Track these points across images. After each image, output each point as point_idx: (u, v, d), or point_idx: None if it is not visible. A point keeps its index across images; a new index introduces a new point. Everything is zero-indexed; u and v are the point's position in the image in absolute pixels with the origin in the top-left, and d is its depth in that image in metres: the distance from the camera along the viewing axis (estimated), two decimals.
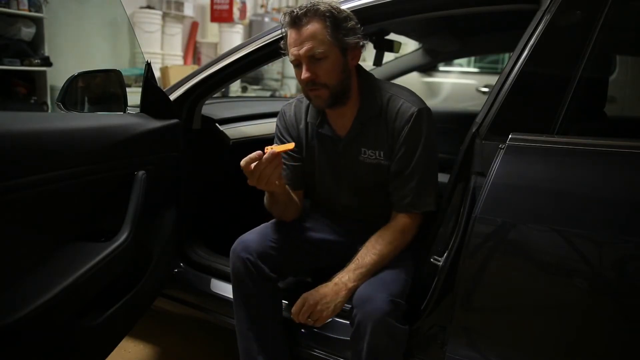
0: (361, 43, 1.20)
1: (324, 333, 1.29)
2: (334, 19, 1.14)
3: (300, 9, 1.14)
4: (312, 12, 1.13)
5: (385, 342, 1.09)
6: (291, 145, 1.14)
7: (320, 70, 1.15)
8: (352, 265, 1.17)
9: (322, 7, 1.13)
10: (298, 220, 1.34)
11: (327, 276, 1.19)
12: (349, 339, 1.15)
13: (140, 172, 1.24)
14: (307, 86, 1.17)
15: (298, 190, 1.35)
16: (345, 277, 1.15)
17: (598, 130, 1.11)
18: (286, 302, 1.36)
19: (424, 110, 1.20)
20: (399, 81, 2.87)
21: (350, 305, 1.14)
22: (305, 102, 1.30)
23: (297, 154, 1.33)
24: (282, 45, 1.23)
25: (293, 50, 1.15)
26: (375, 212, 1.31)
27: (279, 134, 1.35)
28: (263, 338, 1.26)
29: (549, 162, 0.98)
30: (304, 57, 1.14)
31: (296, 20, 1.14)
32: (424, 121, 1.19)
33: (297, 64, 1.18)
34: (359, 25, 1.19)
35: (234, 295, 1.29)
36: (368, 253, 1.18)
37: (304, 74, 1.15)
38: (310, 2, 1.16)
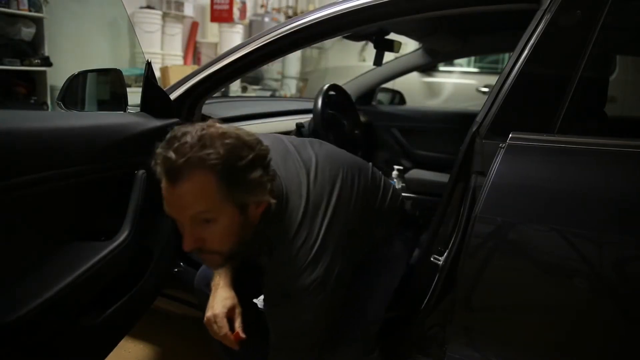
0: (268, 200, 0.88)
1: None
2: (229, 171, 0.81)
3: (179, 155, 0.78)
4: (195, 162, 0.78)
5: None
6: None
7: (207, 236, 0.86)
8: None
9: (212, 154, 0.79)
10: None
11: None
12: None
13: (141, 172, 1.24)
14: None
15: None
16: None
17: (598, 130, 1.11)
18: None
19: (302, 287, 0.92)
20: (398, 81, 2.91)
21: None
22: None
23: None
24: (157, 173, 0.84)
25: (170, 209, 0.84)
26: None
27: None
28: None
29: (549, 162, 0.98)
30: (185, 219, 0.85)
31: (172, 174, 0.80)
32: (295, 298, 0.93)
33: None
34: (269, 169, 0.88)
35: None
36: None
37: (186, 244, 0.85)
38: (198, 135, 0.80)
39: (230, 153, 0.81)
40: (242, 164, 0.82)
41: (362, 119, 2.34)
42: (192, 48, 6.22)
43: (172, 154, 0.79)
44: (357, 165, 1.14)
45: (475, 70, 4.74)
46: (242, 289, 1.13)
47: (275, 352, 1.01)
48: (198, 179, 0.79)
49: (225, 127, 0.85)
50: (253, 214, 0.89)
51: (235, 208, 0.85)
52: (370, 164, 1.24)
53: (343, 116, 2.00)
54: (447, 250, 1.09)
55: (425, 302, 1.14)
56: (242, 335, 1.06)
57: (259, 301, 1.33)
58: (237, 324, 1.08)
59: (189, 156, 0.78)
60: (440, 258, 1.11)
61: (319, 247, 0.93)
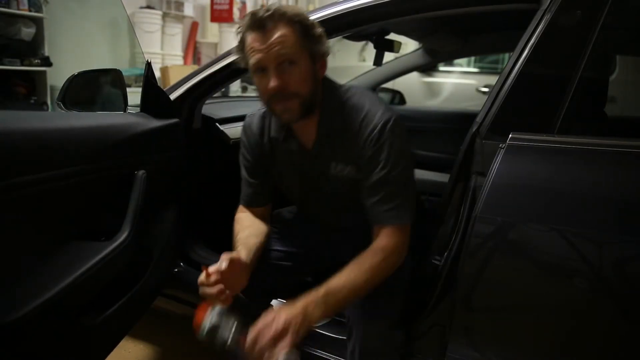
0: (328, 52, 1.11)
1: (324, 332, 1.29)
2: (302, 25, 1.05)
3: (266, 11, 1.03)
4: (278, 15, 1.02)
5: (378, 345, 1.08)
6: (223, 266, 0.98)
7: (291, 77, 1.04)
8: (322, 290, 0.99)
9: (289, 11, 1.04)
10: (275, 237, 1.30)
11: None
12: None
13: (141, 172, 1.24)
14: (274, 97, 1.06)
15: (264, 205, 1.29)
16: (311, 307, 0.96)
17: (598, 130, 1.11)
18: (284, 301, 1.36)
19: (389, 120, 1.07)
20: (398, 81, 2.91)
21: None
22: (269, 114, 1.20)
23: (261, 168, 1.25)
24: (236, 51, 1.10)
25: (258, 55, 1.03)
26: (353, 222, 1.20)
27: (243, 151, 1.26)
28: None
29: (549, 162, 0.98)
30: (272, 61, 1.02)
31: (260, 23, 1.02)
32: (389, 132, 1.06)
33: (260, 68, 1.05)
34: (325, 34, 1.10)
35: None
36: (341, 281, 1.01)
37: (273, 82, 1.03)
38: (275, 6, 1.05)
39: (301, 14, 1.06)
40: (310, 21, 1.07)
41: None
42: (192, 48, 6.22)
43: (259, 10, 1.03)
44: None
45: (475, 70, 4.73)
46: (259, 285, 1.13)
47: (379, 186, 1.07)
48: (282, 27, 1.02)
49: None
50: (319, 70, 1.11)
51: (309, 56, 1.06)
52: None
53: None
54: (447, 250, 1.10)
55: (425, 302, 1.14)
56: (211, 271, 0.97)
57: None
58: (220, 265, 0.99)
59: (273, 10, 1.02)
60: (440, 258, 1.11)
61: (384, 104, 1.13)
